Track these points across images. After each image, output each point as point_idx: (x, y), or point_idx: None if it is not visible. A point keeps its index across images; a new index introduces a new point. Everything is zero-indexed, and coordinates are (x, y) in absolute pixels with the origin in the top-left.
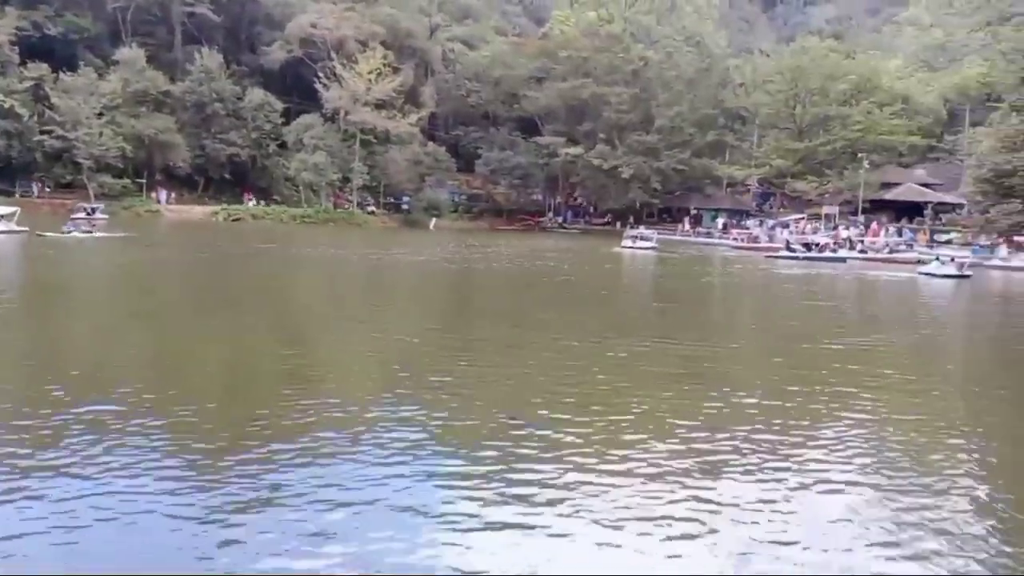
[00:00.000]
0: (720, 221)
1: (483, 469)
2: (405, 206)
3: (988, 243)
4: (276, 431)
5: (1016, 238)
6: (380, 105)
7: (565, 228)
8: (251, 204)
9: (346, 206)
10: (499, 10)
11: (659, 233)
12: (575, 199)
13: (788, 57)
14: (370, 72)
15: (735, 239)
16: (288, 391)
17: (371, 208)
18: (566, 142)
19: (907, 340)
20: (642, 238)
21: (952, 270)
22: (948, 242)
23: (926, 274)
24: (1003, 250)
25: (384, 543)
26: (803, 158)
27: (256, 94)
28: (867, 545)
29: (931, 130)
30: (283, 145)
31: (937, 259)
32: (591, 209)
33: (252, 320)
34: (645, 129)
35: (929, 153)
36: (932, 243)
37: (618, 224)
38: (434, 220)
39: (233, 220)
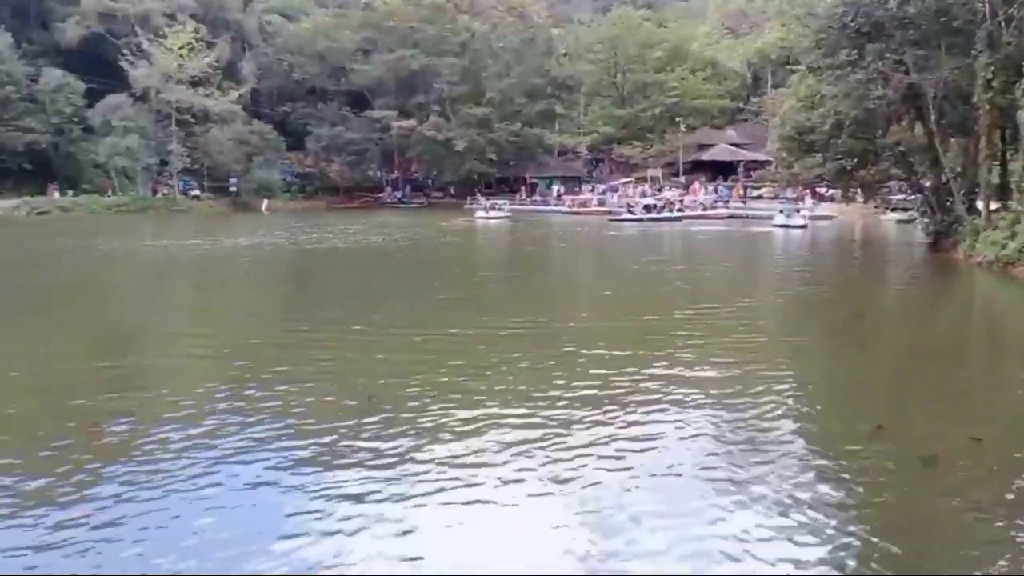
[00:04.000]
0: (556, 188)
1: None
2: (233, 188)
3: (794, 196)
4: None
5: (819, 189)
6: (196, 82)
7: (405, 203)
8: (57, 195)
9: (166, 192)
10: None
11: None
12: (412, 173)
13: (606, 27)
14: (181, 47)
15: (569, 205)
16: (120, 396)
17: (195, 193)
18: (399, 115)
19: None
20: (495, 208)
21: (799, 221)
22: (759, 197)
23: (780, 226)
24: (808, 201)
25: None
26: (627, 124)
27: (53, 75)
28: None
29: (738, 93)
30: (89, 129)
31: (781, 212)
32: (429, 183)
33: (68, 326)
34: (476, 101)
35: (738, 115)
36: (745, 199)
37: (466, 196)
38: (266, 202)
39: (38, 214)
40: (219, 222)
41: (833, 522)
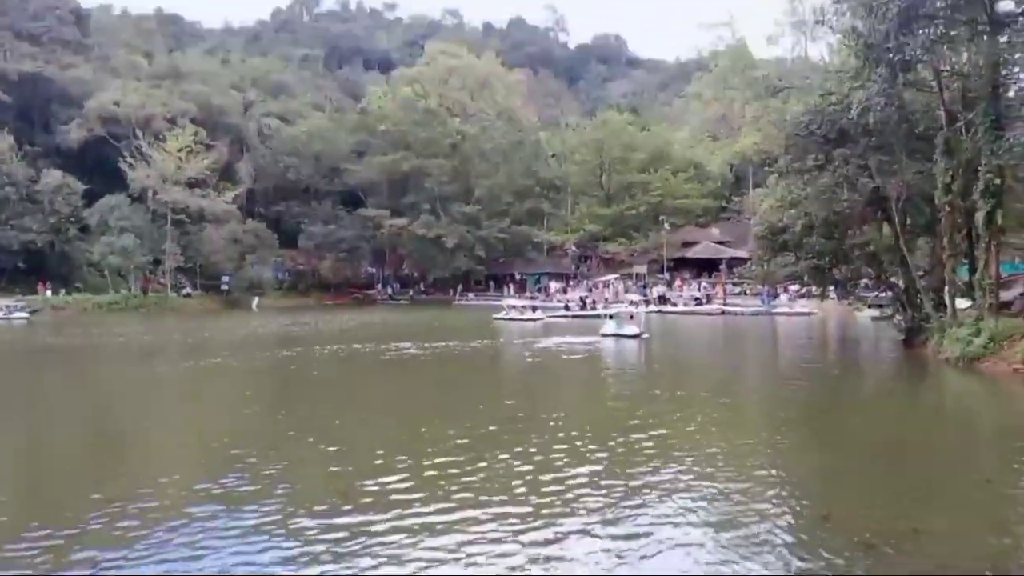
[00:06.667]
0: (554, 285)
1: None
2: (225, 286)
3: (770, 292)
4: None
5: (792, 287)
6: (193, 183)
7: (395, 300)
8: (48, 294)
9: (158, 290)
10: (314, 85)
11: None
12: (403, 269)
13: (592, 130)
14: (180, 150)
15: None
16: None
17: (187, 290)
18: (391, 214)
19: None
20: (532, 308)
21: (632, 329)
22: (742, 293)
23: (611, 335)
24: (783, 297)
25: None
26: (613, 222)
27: (53, 176)
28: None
29: (720, 193)
30: (85, 229)
31: (611, 317)
32: (418, 278)
33: (60, 425)
34: (466, 200)
35: (721, 213)
36: (725, 296)
37: (450, 292)
38: (256, 299)
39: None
40: (209, 320)
41: None
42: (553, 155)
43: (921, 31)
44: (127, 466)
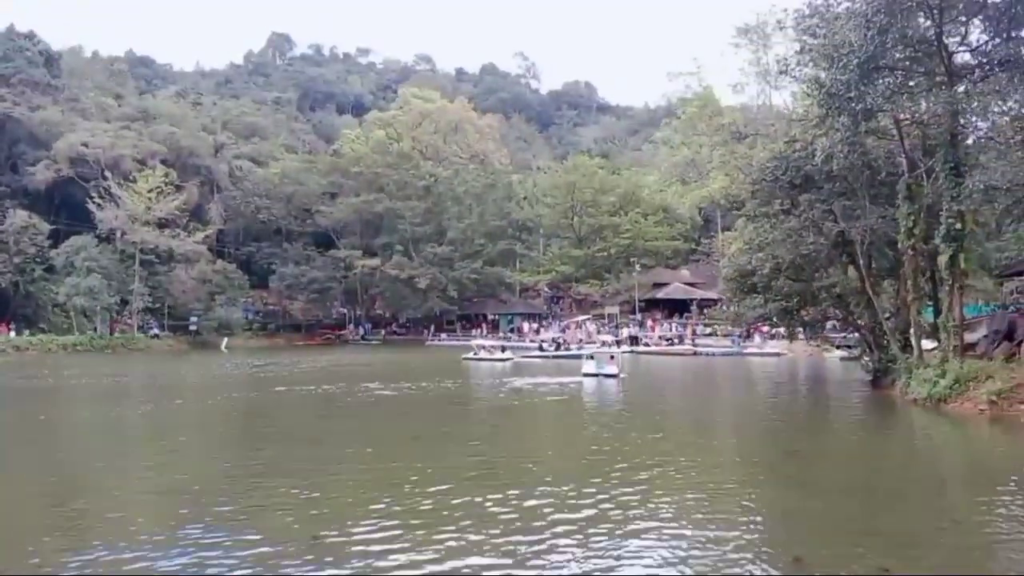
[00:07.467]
0: (527, 325)
1: None
2: (193, 327)
3: (741, 334)
4: None
5: (763, 328)
6: (162, 224)
7: (367, 340)
8: (11, 335)
9: (125, 330)
10: (287, 128)
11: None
12: (375, 310)
13: (563, 173)
14: (150, 191)
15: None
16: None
17: (154, 331)
18: (363, 255)
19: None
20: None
21: (613, 369)
22: (712, 334)
23: (591, 375)
24: (757, 338)
25: None
26: (584, 264)
27: (19, 216)
28: None
29: (690, 235)
30: (51, 269)
31: (591, 357)
32: (390, 319)
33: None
34: (439, 241)
35: (691, 255)
36: (695, 336)
37: (423, 332)
38: (226, 340)
39: None
40: (176, 361)
41: None
42: (525, 198)
43: (881, 81)
44: (83, 515)
